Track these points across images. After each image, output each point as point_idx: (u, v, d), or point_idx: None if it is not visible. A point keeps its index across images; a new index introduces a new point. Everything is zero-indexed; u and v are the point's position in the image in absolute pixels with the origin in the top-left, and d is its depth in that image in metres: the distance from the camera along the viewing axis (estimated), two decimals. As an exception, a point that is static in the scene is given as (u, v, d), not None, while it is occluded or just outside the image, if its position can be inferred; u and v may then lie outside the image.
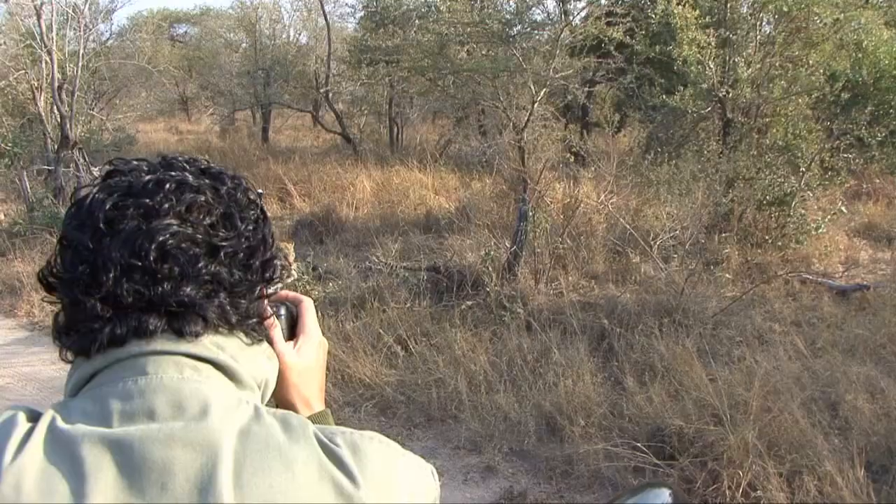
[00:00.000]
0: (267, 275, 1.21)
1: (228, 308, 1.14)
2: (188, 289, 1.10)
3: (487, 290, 8.07)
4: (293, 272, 5.72)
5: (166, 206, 1.11)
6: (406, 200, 12.67)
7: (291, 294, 1.46)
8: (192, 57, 25.50)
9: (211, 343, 1.13)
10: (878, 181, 12.26)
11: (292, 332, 1.42)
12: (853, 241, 10.14)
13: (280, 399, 1.37)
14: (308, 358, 1.40)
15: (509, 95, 11.68)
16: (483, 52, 12.31)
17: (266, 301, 1.24)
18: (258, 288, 1.20)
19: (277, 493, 1.01)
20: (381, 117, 19.19)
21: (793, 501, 5.04)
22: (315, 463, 1.06)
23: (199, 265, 1.11)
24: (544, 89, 11.28)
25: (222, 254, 1.13)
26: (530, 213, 8.60)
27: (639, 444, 5.57)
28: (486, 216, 10.73)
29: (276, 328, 1.36)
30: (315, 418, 1.31)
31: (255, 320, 1.20)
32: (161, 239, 1.09)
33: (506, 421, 6.19)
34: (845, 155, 10.50)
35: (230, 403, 1.09)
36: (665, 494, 1.10)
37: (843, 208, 10.13)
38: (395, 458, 1.13)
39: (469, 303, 8.10)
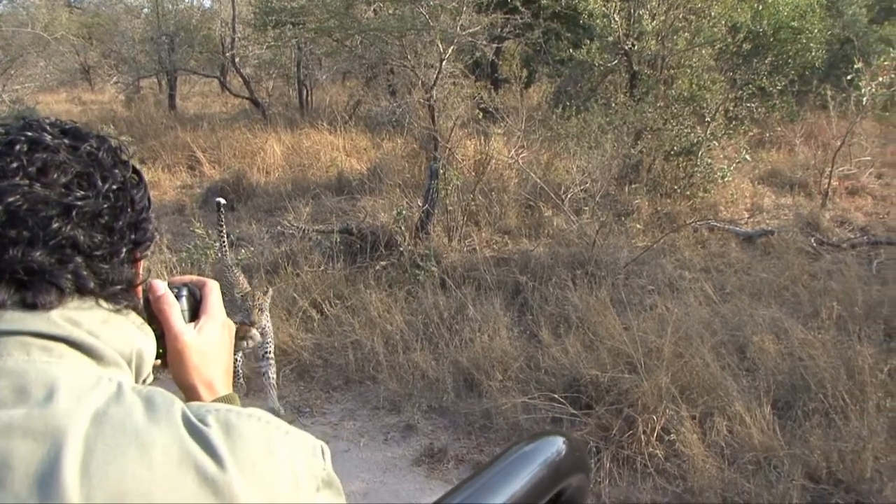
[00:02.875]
0: (135, 237, 1.15)
1: (85, 274, 1.07)
2: (38, 254, 1.02)
3: (401, 249, 8.05)
4: (259, 317, 5.87)
5: (14, 165, 1.04)
6: (317, 163, 12.53)
7: (196, 277, 1.43)
8: (92, 24, 24.69)
9: (63, 319, 1.04)
10: (779, 129, 12.52)
11: (196, 314, 1.39)
12: (757, 187, 10.37)
13: (180, 382, 1.33)
14: (210, 339, 1.36)
15: (417, 54, 11.58)
16: (390, 11, 12.17)
17: (140, 270, 1.19)
18: (124, 252, 1.13)
19: (130, 482, 0.91)
20: (290, 80, 18.91)
21: (705, 442, 5.17)
22: (176, 446, 0.96)
23: (52, 227, 1.03)
24: (452, 47, 11.22)
25: (74, 213, 1.05)
26: (441, 171, 8.58)
27: (556, 396, 5.64)
28: (398, 176, 10.68)
29: (175, 308, 1.33)
30: (219, 402, 1.23)
31: (120, 287, 1.13)
32: (9, 200, 1.01)
33: (424, 379, 6.21)
34: (748, 104, 10.71)
35: (85, 384, 0.99)
36: (559, 442, 1.09)
37: (747, 156, 10.34)
38: (276, 436, 1.05)
39: (383, 263, 8.08)
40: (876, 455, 4.90)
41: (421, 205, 8.72)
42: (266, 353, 6.14)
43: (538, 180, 9.17)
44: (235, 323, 5.54)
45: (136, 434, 0.95)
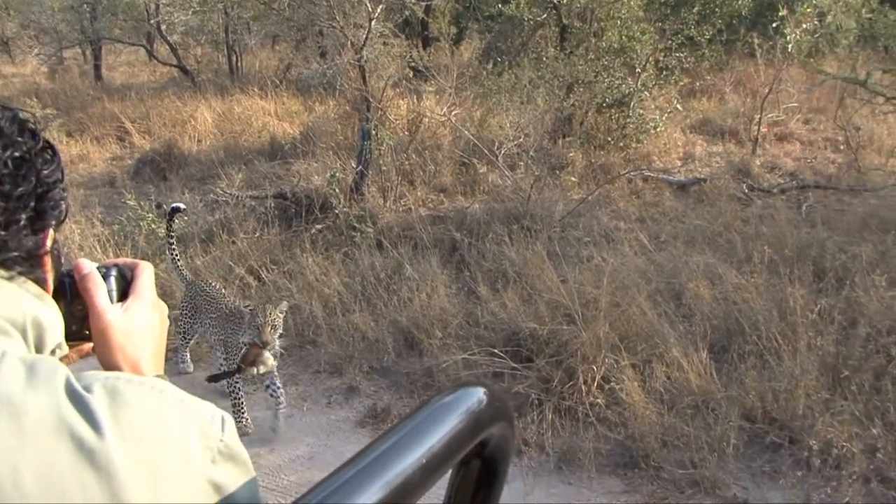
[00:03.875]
0: (39, 207, 1.11)
1: None
2: None
3: (336, 212, 7.99)
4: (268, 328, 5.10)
5: None
6: (249, 129, 12.34)
7: (130, 259, 1.39)
8: (6, -7, 23.93)
9: None
10: (709, 78, 12.62)
11: (126, 295, 1.35)
12: (689, 136, 10.46)
13: (104, 362, 1.29)
14: (137, 319, 1.32)
15: (346, 14, 11.41)
16: (316, -30, 11.97)
17: (47, 241, 1.16)
18: (23, 220, 1.10)
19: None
20: (219, 46, 18.52)
21: (645, 389, 5.24)
22: (53, 413, 0.91)
23: None
24: (381, 6, 11.07)
25: None
26: (374, 132, 8.51)
27: (496, 350, 5.67)
28: (331, 138, 10.57)
29: (100, 287, 1.30)
30: None
31: (17, 254, 1.09)
32: None
33: (364, 341, 6.20)
34: (677, 54, 10.76)
35: None
36: (479, 393, 1.08)
37: (678, 106, 10.41)
38: (168, 405, 0.99)
39: (319, 227, 8.02)
40: (808, 392, 5.01)
41: (355, 166, 8.65)
42: (274, 382, 5.51)
43: (472, 137, 9.14)
44: (243, 344, 5.16)
45: (10, 401, 0.90)
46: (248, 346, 5.14)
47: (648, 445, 4.95)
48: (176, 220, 6.46)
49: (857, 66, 10.32)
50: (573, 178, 8.75)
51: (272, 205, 8.40)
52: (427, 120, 9.83)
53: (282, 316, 5.18)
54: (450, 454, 1.04)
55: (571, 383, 5.33)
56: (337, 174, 8.33)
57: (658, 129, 9.87)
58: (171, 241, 6.29)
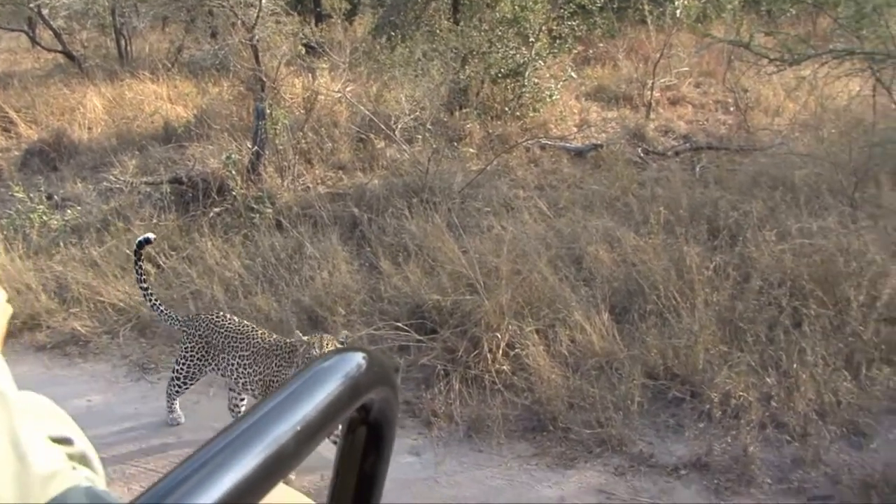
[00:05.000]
0: None
1: None
2: None
3: (234, 194, 7.87)
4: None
5: None
6: (142, 114, 12.02)
7: None
8: None
9: None
10: (602, 45, 12.73)
11: None
12: (585, 103, 10.55)
13: None
14: None
15: (235, -7, 11.21)
16: (201, -52, 11.72)
17: None
18: None
19: None
20: (106, 30, 17.99)
21: (549, 353, 5.30)
22: None
23: None
24: (270, -17, 10.92)
25: None
26: (268, 111, 8.39)
27: (400, 324, 5.67)
28: (226, 120, 10.37)
29: None
30: None
31: None
32: None
33: (268, 321, 6.13)
34: (570, 23, 10.83)
35: None
36: (358, 357, 1.05)
37: (572, 74, 10.51)
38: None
39: (216, 210, 7.89)
40: (707, 347, 5.14)
41: (251, 147, 8.52)
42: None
43: (368, 113, 9.08)
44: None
45: None
46: None
47: (555, 408, 5.02)
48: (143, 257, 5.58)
49: (742, 29, 10.53)
50: (471, 150, 8.76)
51: (168, 190, 8.23)
52: (322, 97, 9.72)
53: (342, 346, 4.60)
54: (327, 421, 1.02)
55: (477, 352, 5.36)
56: (233, 156, 8.20)
57: (553, 98, 9.94)
58: (143, 282, 5.48)
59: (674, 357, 5.18)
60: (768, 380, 4.98)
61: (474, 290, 5.75)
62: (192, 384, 5.30)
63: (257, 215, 7.50)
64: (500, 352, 5.34)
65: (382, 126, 8.72)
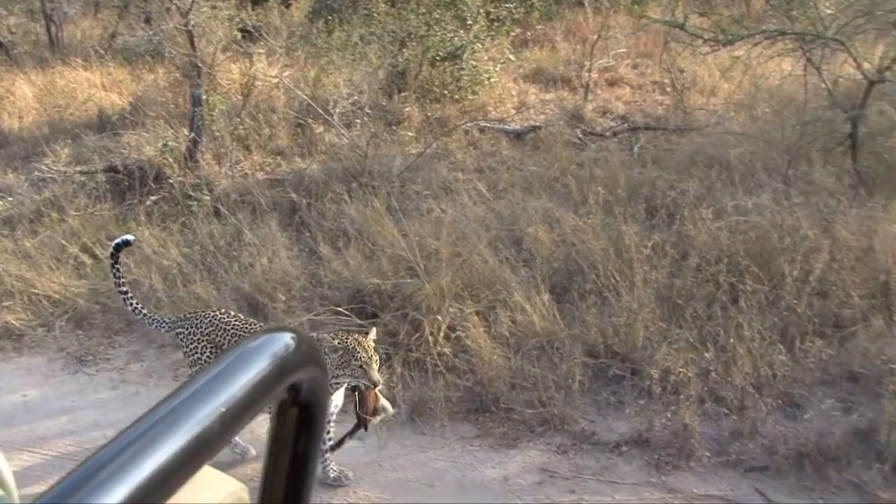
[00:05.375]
0: None
1: None
2: None
3: (171, 181, 7.77)
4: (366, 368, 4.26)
5: None
6: (74, 102, 11.79)
7: None
8: None
9: None
10: (540, 28, 12.74)
11: None
12: (523, 86, 10.56)
13: None
14: None
15: (168, -23, 11.03)
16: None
17: None
18: None
19: None
20: (35, 16, 17.59)
21: (490, 335, 5.31)
22: None
23: None
24: (204, -33, 10.75)
25: None
26: (205, 97, 8.28)
27: (341, 309, 5.66)
28: (162, 107, 10.21)
29: None
30: None
31: None
32: None
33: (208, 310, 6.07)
34: (507, 5, 10.83)
35: None
36: (286, 338, 1.04)
37: (511, 56, 10.51)
38: None
39: (153, 198, 7.78)
40: (646, 325, 5.20)
41: (187, 134, 8.40)
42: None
43: (306, 98, 9.00)
44: (349, 389, 4.26)
45: None
46: (360, 392, 4.31)
47: (497, 389, 5.04)
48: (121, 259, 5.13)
49: (678, 11, 10.62)
50: (410, 133, 8.74)
51: (103, 179, 8.09)
52: (260, 83, 9.62)
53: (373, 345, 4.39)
54: (253, 402, 1.00)
55: (418, 335, 5.36)
56: (169, 143, 8.09)
57: (492, 80, 9.95)
58: (122, 285, 5.08)
59: (614, 335, 5.23)
60: (706, 355, 5.06)
61: (414, 273, 5.75)
62: None
63: (195, 203, 7.41)
64: (442, 334, 5.35)
65: (321, 111, 8.66)
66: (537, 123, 9.11)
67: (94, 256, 6.96)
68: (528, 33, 12.30)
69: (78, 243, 7.11)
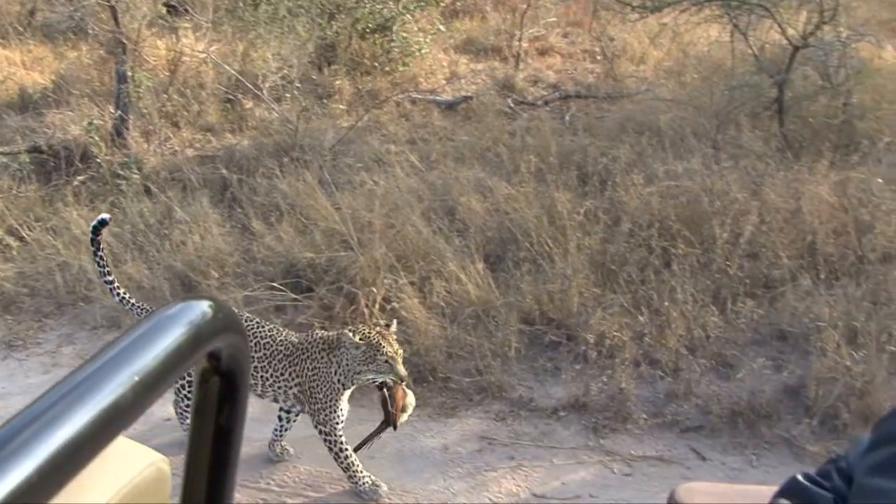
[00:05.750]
0: None
1: None
2: None
3: (98, 161, 7.60)
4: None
5: None
6: (-7, 82, 11.51)
7: None
8: None
9: None
10: (469, -2, 12.74)
11: None
12: (454, 56, 10.52)
13: None
14: None
15: (86, -48, 10.77)
16: None
17: None
18: None
19: None
20: (-52, -6, 17.11)
21: (426, 305, 5.31)
22: None
23: None
24: (125, -60, 10.50)
25: None
26: (130, 74, 8.11)
27: (275, 284, 5.62)
28: (87, 85, 9.98)
29: None
30: None
31: None
32: None
33: (140, 290, 5.97)
34: (437, -25, 10.77)
35: None
36: (203, 305, 1.01)
37: (441, 27, 10.45)
38: None
39: (81, 178, 7.60)
40: (580, 291, 5.24)
41: (114, 112, 8.23)
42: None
43: (234, 73, 8.87)
44: (373, 384, 4.10)
45: None
46: (388, 388, 4.16)
47: (434, 359, 5.05)
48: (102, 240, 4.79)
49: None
50: (341, 106, 8.66)
51: (27, 160, 7.88)
52: (187, 59, 9.45)
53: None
54: (169, 370, 0.98)
55: (353, 308, 5.35)
56: (95, 122, 7.91)
57: (423, 52, 9.88)
58: (108, 274, 4.75)
59: (549, 302, 5.27)
60: (641, 319, 5.13)
61: (348, 246, 5.72)
62: None
63: (124, 181, 7.26)
64: (377, 306, 5.34)
65: (250, 86, 8.54)
66: (469, 94, 9.09)
67: (20, 239, 6.81)
68: (458, 3, 12.24)
69: (3, 226, 6.93)
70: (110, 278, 4.72)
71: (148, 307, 4.72)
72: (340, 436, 4.29)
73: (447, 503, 4.37)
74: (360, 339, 4.10)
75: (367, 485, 4.31)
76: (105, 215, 4.76)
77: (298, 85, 8.50)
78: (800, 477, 1.07)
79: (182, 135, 8.36)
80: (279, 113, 8.14)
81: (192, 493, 1.15)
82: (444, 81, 9.61)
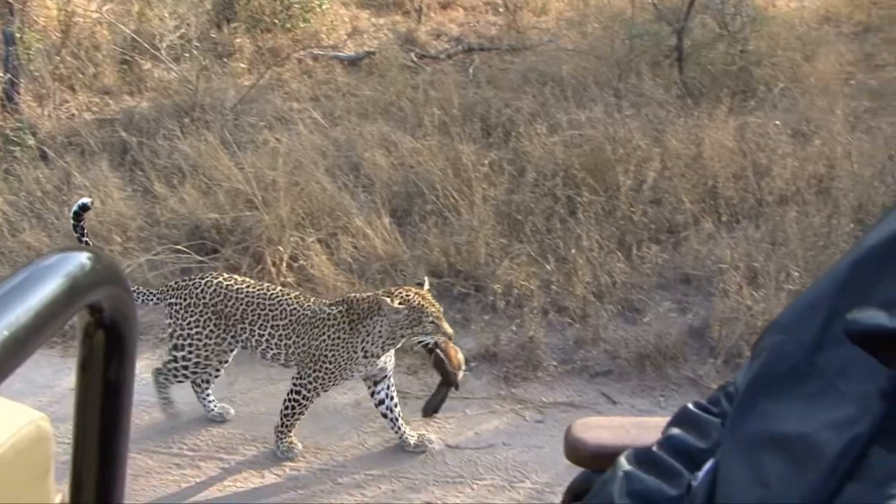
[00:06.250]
0: None
1: None
2: None
3: (-11, 127, 7.36)
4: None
5: None
6: None
7: None
8: None
9: None
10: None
11: None
12: (355, 11, 10.40)
13: None
14: None
15: None
16: None
17: None
18: None
19: None
20: None
21: (334, 261, 5.30)
22: None
23: None
24: None
25: None
26: (18, 35, 7.83)
27: (180, 247, 5.54)
28: (-28, 50, 9.64)
29: None
30: None
31: None
32: None
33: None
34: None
35: None
36: (81, 257, 0.98)
37: (341, -18, 10.33)
38: None
39: (-30, 145, 7.35)
40: (487, 242, 5.27)
41: (2, 76, 7.95)
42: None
43: (130, 33, 8.63)
44: (425, 347, 4.10)
45: None
46: (440, 348, 4.12)
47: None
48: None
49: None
50: (242, 65, 8.50)
51: None
52: (80, 19, 9.15)
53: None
54: (43, 324, 0.95)
55: (260, 267, 5.30)
56: (-19, 86, 7.64)
57: (323, 7, 9.74)
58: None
59: (456, 254, 5.29)
60: (548, 267, 5.19)
61: (253, 205, 5.66)
62: (201, 371, 4.40)
63: (18, 148, 7.03)
64: (284, 265, 5.30)
65: (147, 46, 8.32)
66: (371, 49, 9.00)
67: None
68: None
69: None
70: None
71: (141, 290, 4.50)
72: (310, 402, 4.26)
73: (362, 458, 4.39)
74: (400, 303, 4.01)
75: (285, 445, 4.30)
76: (86, 199, 4.49)
77: (197, 44, 8.31)
78: (690, 405, 1.10)
79: (78, 98, 8.11)
80: (178, 73, 7.96)
81: (83, 454, 1.12)
82: (345, 37, 9.50)
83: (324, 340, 4.14)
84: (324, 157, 6.26)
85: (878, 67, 7.52)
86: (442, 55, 8.78)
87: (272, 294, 4.28)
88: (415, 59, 8.63)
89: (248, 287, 4.30)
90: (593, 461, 1.51)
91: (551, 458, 4.16)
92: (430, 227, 5.46)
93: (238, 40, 8.99)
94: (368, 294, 4.24)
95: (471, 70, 8.21)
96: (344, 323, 4.10)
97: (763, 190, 5.78)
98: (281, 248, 5.30)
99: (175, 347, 4.33)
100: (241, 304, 4.23)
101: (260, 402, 4.71)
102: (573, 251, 5.24)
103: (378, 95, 7.49)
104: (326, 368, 4.17)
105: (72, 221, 4.44)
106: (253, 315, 4.22)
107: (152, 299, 4.44)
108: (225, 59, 8.56)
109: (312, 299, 4.33)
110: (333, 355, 4.13)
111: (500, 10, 10.09)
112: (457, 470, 4.29)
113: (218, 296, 4.24)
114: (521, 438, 4.48)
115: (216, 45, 8.89)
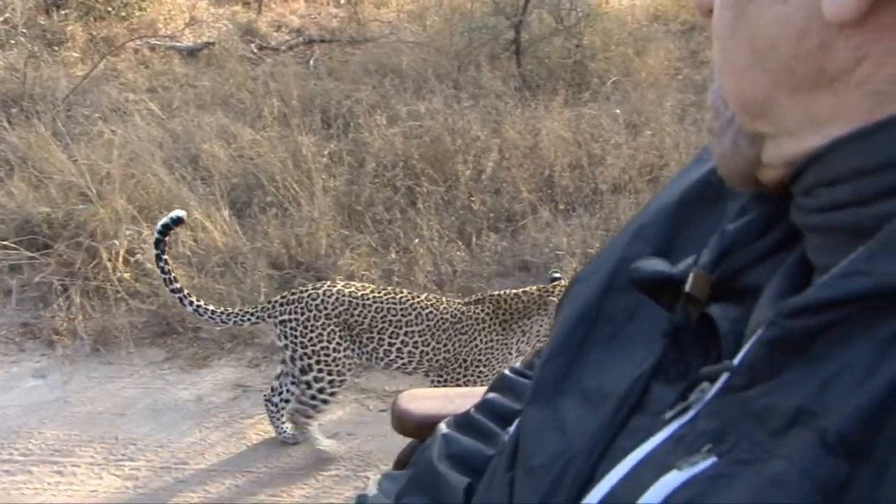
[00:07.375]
0: None
1: None
2: None
3: None
4: None
5: None
6: None
7: None
8: None
9: None
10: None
11: None
12: (194, 1, 10.21)
13: None
14: None
15: None
16: None
17: None
18: None
19: None
20: None
21: (171, 255, 5.19)
22: None
23: None
24: None
25: None
26: None
27: (8, 242, 5.34)
28: None
29: None
30: None
31: None
32: None
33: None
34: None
35: None
36: None
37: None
38: None
39: None
40: (328, 233, 5.29)
41: None
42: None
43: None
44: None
45: None
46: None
47: (183, 310, 4.95)
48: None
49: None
50: (74, 54, 8.22)
51: None
52: None
53: None
54: None
55: (95, 262, 5.16)
56: None
57: (161, -4, 9.55)
58: (172, 281, 4.05)
59: (297, 245, 5.28)
60: (389, 257, 5.24)
61: (87, 199, 5.50)
62: (338, 389, 4.04)
63: None
64: (121, 259, 5.17)
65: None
66: (210, 39, 8.85)
67: None
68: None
69: None
70: (177, 286, 4.05)
71: (237, 312, 4.07)
72: None
73: (204, 454, 4.34)
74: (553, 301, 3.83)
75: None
76: (180, 212, 3.98)
77: (24, 31, 8.00)
78: (507, 371, 1.15)
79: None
80: (4, 60, 7.64)
81: None
82: (183, 27, 9.31)
83: (476, 345, 3.93)
84: (161, 148, 6.14)
85: (702, 64, 7.88)
86: (283, 47, 8.73)
87: (402, 299, 3.95)
88: (255, 50, 8.55)
89: (373, 293, 3.95)
90: (419, 431, 1.54)
91: (396, 445, 4.16)
92: (270, 219, 5.43)
93: (70, 28, 8.69)
94: (516, 291, 4.02)
95: (311, 62, 8.19)
96: (495, 324, 3.93)
97: (598, 179, 5.98)
98: (117, 243, 5.17)
99: (302, 371, 3.96)
100: (370, 312, 3.90)
101: (97, 401, 4.60)
102: (414, 241, 5.31)
103: (217, 87, 7.39)
104: (480, 372, 3.95)
105: (156, 236, 3.99)
106: (383, 322, 3.91)
107: (249, 319, 4.02)
108: (55, 48, 8.27)
109: (444, 300, 4.05)
110: (488, 358, 3.95)
111: (342, 2, 10.11)
112: (301, 462, 4.29)
113: (341, 304, 3.88)
114: (365, 428, 4.50)
115: (45, 32, 8.59)
